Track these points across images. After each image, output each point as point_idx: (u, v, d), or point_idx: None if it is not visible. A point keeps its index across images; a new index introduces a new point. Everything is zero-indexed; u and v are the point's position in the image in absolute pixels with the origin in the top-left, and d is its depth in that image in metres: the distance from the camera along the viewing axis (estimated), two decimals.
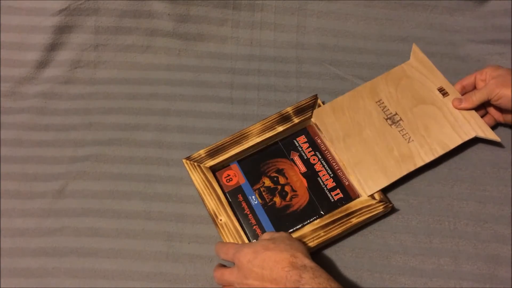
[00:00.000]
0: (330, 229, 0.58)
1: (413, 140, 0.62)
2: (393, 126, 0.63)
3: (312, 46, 0.75)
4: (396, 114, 0.64)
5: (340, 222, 0.58)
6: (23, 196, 0.64)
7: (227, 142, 0.64)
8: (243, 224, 0.60)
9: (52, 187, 0.65)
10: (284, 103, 0.70)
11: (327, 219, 0.59)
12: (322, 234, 0.57)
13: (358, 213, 0.59)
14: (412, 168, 0.60)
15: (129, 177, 0.65)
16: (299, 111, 0.66)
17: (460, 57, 0.72)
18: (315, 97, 0.67)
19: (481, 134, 0.61)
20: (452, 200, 0.62)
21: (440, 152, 0.61)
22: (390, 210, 0.61)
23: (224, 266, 0.53)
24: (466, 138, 0.61)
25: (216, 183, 0.62)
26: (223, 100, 0.71)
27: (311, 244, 0.57)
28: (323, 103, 0.67)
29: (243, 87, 0.72)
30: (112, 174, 0.65)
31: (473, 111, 0.63)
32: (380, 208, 0.59)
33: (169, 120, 0.69)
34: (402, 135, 0.62)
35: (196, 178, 0.62)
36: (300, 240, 0.53)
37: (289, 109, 0.66)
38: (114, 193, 0.64)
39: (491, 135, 0.61)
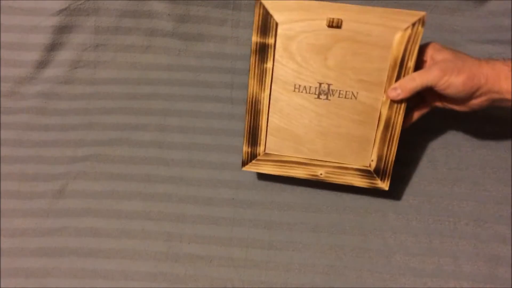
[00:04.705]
0: None
1: (357, 92, 0.53)
2: (329, 97, 0.54)
3: None
4: (320, 83, 0.54)
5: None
6: (23, 196, 0.64)
7: None
8: None
9: (52, 187, 0.65)
10: None
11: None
12: None
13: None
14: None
15: (129, 177, 0.65)
16: None
17: None
18: None
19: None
20: (452, 200, 0.61)
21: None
22: (390, 210, 0.61)
23: None
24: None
25: None
26: (223, 100, 0.71)
27: None
28: None
29: (243, 87, 0.72)
30: (112, 174, 0.65)
31: None
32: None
33: (169, 120, 0.69)
34: (345, 97, 0.53)
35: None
36: None
37: None
38: (114, 193, 0.64)
39: None
